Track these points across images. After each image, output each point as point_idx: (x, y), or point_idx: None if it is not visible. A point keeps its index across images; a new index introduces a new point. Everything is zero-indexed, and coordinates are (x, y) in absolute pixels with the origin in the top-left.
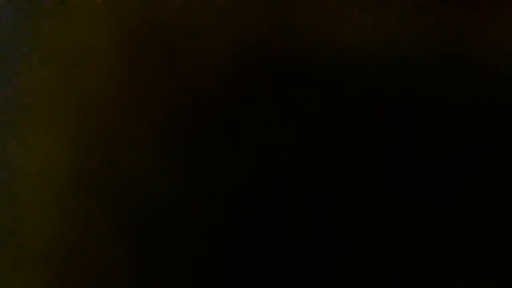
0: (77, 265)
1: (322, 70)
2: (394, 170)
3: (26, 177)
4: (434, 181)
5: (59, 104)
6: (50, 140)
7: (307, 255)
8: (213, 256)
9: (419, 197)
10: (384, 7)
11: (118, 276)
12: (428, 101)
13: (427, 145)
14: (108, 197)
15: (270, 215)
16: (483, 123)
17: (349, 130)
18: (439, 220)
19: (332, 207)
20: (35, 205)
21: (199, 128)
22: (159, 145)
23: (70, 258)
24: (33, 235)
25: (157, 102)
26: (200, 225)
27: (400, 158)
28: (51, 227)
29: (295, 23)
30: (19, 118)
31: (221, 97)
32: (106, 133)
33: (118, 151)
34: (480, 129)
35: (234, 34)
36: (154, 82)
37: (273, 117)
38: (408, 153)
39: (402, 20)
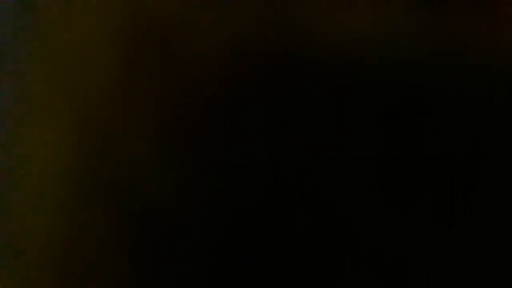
0: (77, 265)
1: (322, 70)
2: (395, 170)
3: (26, 177)
4: (436, 182)
5: (58, 104)
6: (49, 140)
7: (308, 255)
8: (214, 257)
9: (423, 199)
10: (384, 7)
11: (118, 276)
12: (428, 101)
13: (428, 145)
14: (108, 197)
15: (271, 215)
16: (483, 123)
17: (350, 130)
18: (442, 223)
19: (333, 208)
20: (35, 205)
21: (199, 127)
22: (159, 144)
23: (70, 258)
24: (33, 235)
25: (157, 101)
26: (201, 226)
27: (401, 159)
28: (51, 227)
29: (295, 22)
30: (19, 118)
31: (222, 97)
32: (106, 133)
33: (118, 151)
34: (480, 129)
35: (233, 33)
36: (154, 82)
37: (273, 117)
38: (409, 153)
39: (402, 19)
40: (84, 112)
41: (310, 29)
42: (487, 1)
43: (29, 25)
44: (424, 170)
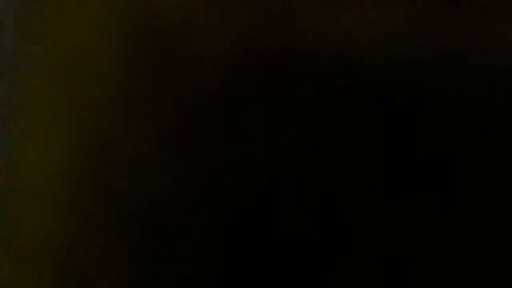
0: (76, 265)
1: (322, 69)
2: (395, 170)
3: (26, 177)
4: (436, 182)
5: (58, 104)
6: (49, 140)
7: (309, 255)
8: (214, 256)
9: (423, 198)
10: (384, 7)
11: (118, 276)
12: (428, 101)
13: (428, 145)
14: (108, 197)
15: (271, 215)
16: (484, 123)
17: (349, 130)
18: (441, 222)
19: (333, 207)
20: (35, 205)
21: (199, 127)
22: (159, 144)
23: (70, 258)
24: (33, 235)
25: (157, 101)
26: (201, 225)
27: (401, 158)
28: (50, 227)
29: (295, 22)
30: (19, 118)
31: (222, 96)
32: (106, 133)
33: (118, 151)
34: (481, 129)
35: (233, 33)
36: (155, 81)
37: (273, 116)
38: (409, 153)
39: (402, 19)
40: (84, 112)
41: (310, 29)
42: (487, 1)
43: (29, 25)
44: (424, 169)
